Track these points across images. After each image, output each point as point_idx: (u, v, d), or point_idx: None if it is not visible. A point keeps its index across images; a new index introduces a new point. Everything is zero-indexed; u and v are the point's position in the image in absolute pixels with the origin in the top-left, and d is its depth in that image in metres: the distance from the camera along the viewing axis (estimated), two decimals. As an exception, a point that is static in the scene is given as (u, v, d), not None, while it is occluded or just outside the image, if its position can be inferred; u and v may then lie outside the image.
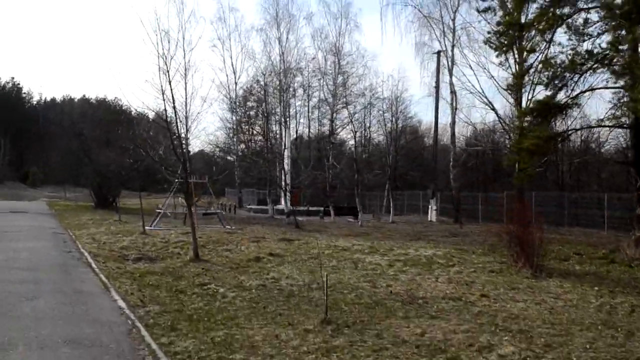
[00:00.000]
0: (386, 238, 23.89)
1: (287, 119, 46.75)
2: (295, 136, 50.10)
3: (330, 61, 51.83)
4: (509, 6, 25.96)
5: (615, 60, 19.14)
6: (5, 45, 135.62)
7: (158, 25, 14.95)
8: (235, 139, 55.77)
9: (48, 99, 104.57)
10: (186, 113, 16.19)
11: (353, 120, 42.34)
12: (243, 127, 55.98)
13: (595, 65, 19.06)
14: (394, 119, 47.94)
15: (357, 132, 42.49)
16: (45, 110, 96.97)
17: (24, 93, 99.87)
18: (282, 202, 43.21)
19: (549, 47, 24.55)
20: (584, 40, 19.54)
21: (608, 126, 23.47)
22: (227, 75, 54.72)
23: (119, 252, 17.14)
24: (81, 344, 7.31)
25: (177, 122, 15.36)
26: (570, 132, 25.95)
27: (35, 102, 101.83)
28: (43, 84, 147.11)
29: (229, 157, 62.99)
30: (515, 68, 31.01)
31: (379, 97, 45.99)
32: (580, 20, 19.86)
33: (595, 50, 18.90)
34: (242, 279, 12.69)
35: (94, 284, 11.67)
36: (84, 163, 40.92)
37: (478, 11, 28.69)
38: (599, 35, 19.21)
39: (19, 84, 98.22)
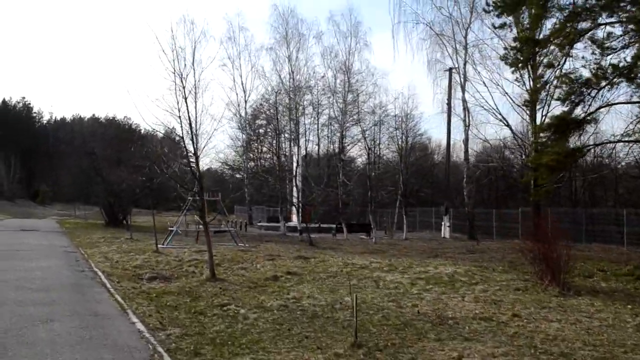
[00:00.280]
0: (402, 255, 23.43)
1: (298, 136, 46.55)
2: (304, 153, 49.82)
3: (339, 79, 51.69)
4: (525, 22, 25.68)
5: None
6: (16, 65, 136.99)
7: (174, 42, 14.69)
8: (245, 157, 55.58)
9: (58, 118, 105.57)
10: (196, 131, 15.89)
11: (364, 137, 41.90)
12: (252, 145, 55.79)
13: (620, 80, 18.68)
14: (403, 137, 47.69)
15: (368, 150, 42.05)
16: (55, 130, 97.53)
17: (35, 112, 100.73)
18: (294, 219, 42.82)
19: (564, 62, 24.30)
20: (608, 54, 19.17)
21: (629, 141, 22.99)
22: (237, 94, 54.74)
23: (133, 271, 16.76)
24: (101, 371, 6.91)
25: (193, 139, 15.03)
26: (590, 148, 25.50)
27: (45, 122, 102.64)
28: (53, 104, 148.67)
29: (238, 175, 62.86)
30: (530, 84, 30.76)
31: (389, 114, 45.71)
32: (602, 34, 19.52)
33: (621, 64, 18.49)
34: (262, 298, 12.27)
35: (110, 305, 11.27)
36: (95, 181, 40.76)
37: (494, 27, 28.36)
38: (622, 48, 18.83)
39: (29, 103, 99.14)
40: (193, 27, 15.64)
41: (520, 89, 32.79)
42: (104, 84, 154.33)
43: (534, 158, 24.33)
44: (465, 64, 38.28)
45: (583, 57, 20.48)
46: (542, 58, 25.43)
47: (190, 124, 14.91)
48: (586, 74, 20.37)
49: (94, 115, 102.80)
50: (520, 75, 30.41)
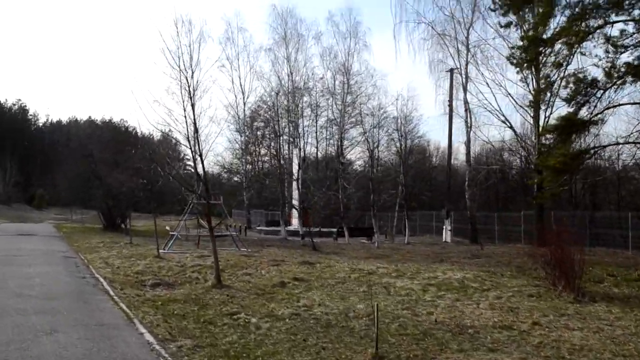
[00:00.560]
0: (407, 260, 23.07)
1: (297, 139, 46.30)
2: (303, 156, 49.53)
3: (338, 80, 51.46)
4: (532, 21, 25.39)
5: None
6: (11, 67, 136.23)
7: (179, 39, 14.30)
8: (243, 160, 55.21)
9: (54, 120, 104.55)
10: (195, 133, 15.47)
11: (366, 139, 41.55)
12: (250, 147, 55.55)
13: (633, 79, 18.38)
14: (402, 139, 47.30)
15: (369, 152, 41.63)
16: (51, 132, 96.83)
17: (30, 115, 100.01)
18: (294, 223, 42.39)
19: (571, 62, 24.02)
20: (622, 52, 18.87)
21: (636, 143, 22.74)
22: (235, 95, 54.39)
23: (135, 278, 16.33)
24: (112, 387, 6.50)
25: (197, 141, 14.62)
26: (597, 149, 25.22)
27: (41, 124, 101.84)
28: (49, 106, 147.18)
29: (235, 178, 62.47)
30: (533, 84, 30.51)
31: (388, 116, 45.45)
32: (611, 32, 19.23)
33: (636, 62, 18.19)
34: (272, 306, 11.85)
35: (116, 314, 10.84)
36: (93, 184, 40.19)
37: (500, 26, 28.17)
38: (635, 46, 18.52)
39: (25, 106, 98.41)
40: (191, 27, 15.18)
41: (524, 89, 32.60)
42: (100, 86, 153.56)
43: (540, 160, 24.07)
44: (467, 64, 38.15)
45: (596, 56, 20.18)
46: (546, 58, 25.19)
47: (195, 124, 14.51)
48: (596, 73, 20.16)
49: (90, 117, 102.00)
50: (525, 76, 30.16)
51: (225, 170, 61.21)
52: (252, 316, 10.75)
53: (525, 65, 25.01)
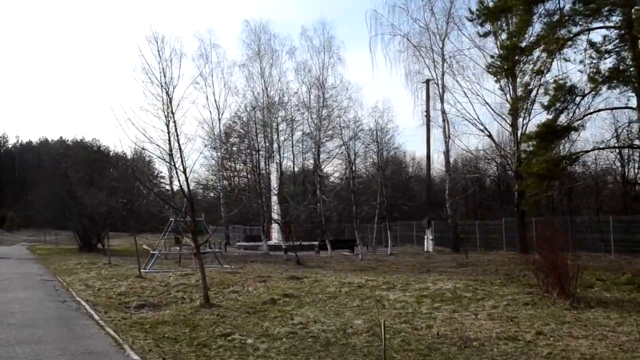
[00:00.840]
0: (394, 272, 22.78)
1: (273, 153, 45.84)
2: (280, 170, 49.13)
3: (314, 94, 51.22)
4: (506, 30, 25.56)
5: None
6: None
7: (160, 54, 13.91)
8: (219, 176, 54.58)
9: (24, 141, 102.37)
10: (179, 149, 15.10)
11: (346, 151, 41.41)
12: (226, 163, 54.85)
13: (616, 84, 18.48)
14: (379, 151, 47.27)
15: (348, 164, 41.48)
16: (21, 153, 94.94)
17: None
18: (275, 237, 41.88)
19: (549, 69, 24.14)
20: (605, 58, 18.99)
21: (619, 147, 22.91)
22: (210, 112, 53.75)
23: (118, 299, 15.79)
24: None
25: (181, 156, 14.21)
26: (579, 155, 25.33)
27: (10, 146, 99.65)
28: (19, 127, 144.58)
29: (212, 194, 61.71)
30: (511, 93, 30.70)
31: (363, 128, 45.28)
32: (599, 38, 19.37)
33: (622, 67, 18.29)
34: (266, 325, 11.42)
35: (104, 340, 10.29)
36: (68, 205, 39.22)
37: (478, 35, 28.26)
38: (617, 52, 18.64)
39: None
40: (164, 45, 14.83)
41: (501, 98, 32.80)
42: (71, 107, 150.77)
43: (523, 167, 24.07)
44: (443, 75, 38.28)
45: (581, 62, 20.26)
46: (525, 65, 25.28)
47: (178, 140, 14.11)
48: (575, 79, 20.25)
49: (61, 137, 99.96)
50: (502, 85, 30.33)
51: (201, 186, 60.52)
52: (247, 336, 10.31)
53: (504, 73, 25.08)
